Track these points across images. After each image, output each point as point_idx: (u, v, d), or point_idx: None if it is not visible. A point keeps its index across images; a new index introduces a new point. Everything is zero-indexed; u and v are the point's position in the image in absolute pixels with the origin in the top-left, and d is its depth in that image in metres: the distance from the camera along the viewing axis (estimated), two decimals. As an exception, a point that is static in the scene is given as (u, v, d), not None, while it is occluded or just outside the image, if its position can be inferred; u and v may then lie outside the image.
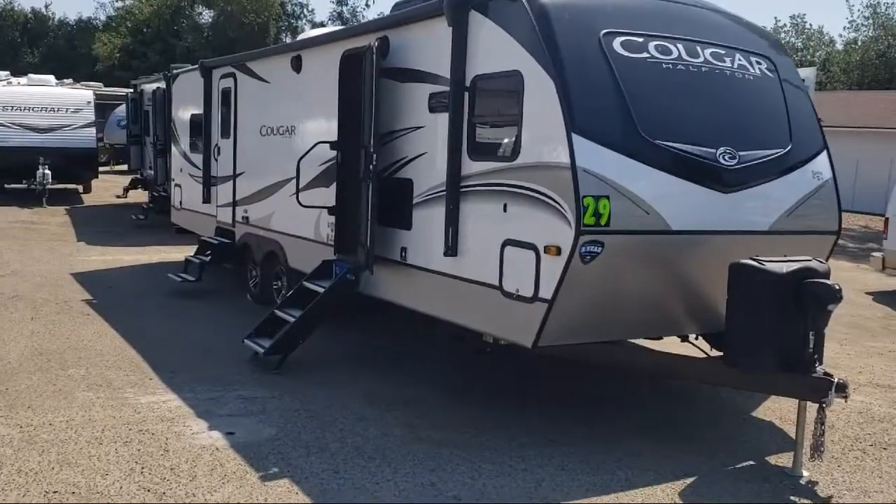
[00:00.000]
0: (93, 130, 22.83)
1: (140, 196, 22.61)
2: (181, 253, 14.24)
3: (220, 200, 11.55)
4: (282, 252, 9.73)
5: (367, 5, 53.00)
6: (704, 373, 6.28)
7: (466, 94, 6.42)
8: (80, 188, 24.52)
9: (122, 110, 32.88)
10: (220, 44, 44.95)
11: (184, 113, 13.16)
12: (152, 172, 18.55)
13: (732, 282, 5.50)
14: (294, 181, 9.24)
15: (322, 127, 8.78)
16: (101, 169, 25.13)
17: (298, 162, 8.42)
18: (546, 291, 5.64)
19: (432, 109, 6.88)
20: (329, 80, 8.50)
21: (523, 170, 5.87)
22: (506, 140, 6.20)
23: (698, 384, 7.14)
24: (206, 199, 11.97)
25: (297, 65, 9.24)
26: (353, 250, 8.16)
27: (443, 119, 6.71)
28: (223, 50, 33.11)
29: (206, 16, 51.25)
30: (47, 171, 21.23)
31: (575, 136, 5.45)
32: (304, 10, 54.98)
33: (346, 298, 8.02)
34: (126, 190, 22.48)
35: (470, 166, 6.42)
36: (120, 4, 53.59)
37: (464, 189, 6.47)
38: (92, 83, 29.00)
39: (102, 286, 11.52)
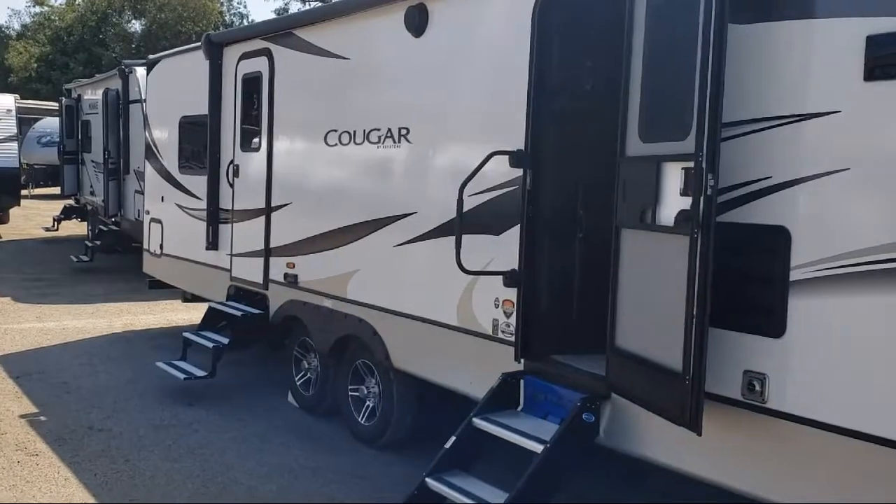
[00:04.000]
0: (14, 146, 18.22)
1: (74, 228, 18.14)
2: (154, 314, 10.14)
3: (239, 246, 7.48)
4: (376, 341, 5.73)
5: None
6: None
7: None
8: (-5, 218, 19.81)
9: (42, 125, 28.62)
10: (152, 54, 40.26)
11: (167, 116, 9.02)
12: (100, 200, 14.19)
13: None
14: (404, 223, 5.42)
15: (481, 129, 4.93)
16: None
17: (461, 190, 4.49)
18: None
19: (877, 73, 3.08)
20: (500, 42, 4.74)
21: None
22: None
23: None
24: (212, 243, 7.87)
25: (418, 21, 5.31)
26: (543, 352, 4.41)
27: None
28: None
29: (137, 24, 46.37)
30: (-46, 198, 16.67)
31: None
32: (245, 20, 50.32)
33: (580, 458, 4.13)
34: (57, 221, 17.91)
35: None
36: (37, 10, 48.21)
37: None
38: (6, 95, 24.25)
39: (52, 384, 7.29)
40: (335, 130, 6.18)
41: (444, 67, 5.22)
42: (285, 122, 6.88)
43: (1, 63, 44.85)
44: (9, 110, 18.32)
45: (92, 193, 15.52)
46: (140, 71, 12.21)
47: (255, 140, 7.21)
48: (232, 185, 7.58)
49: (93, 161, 15.34)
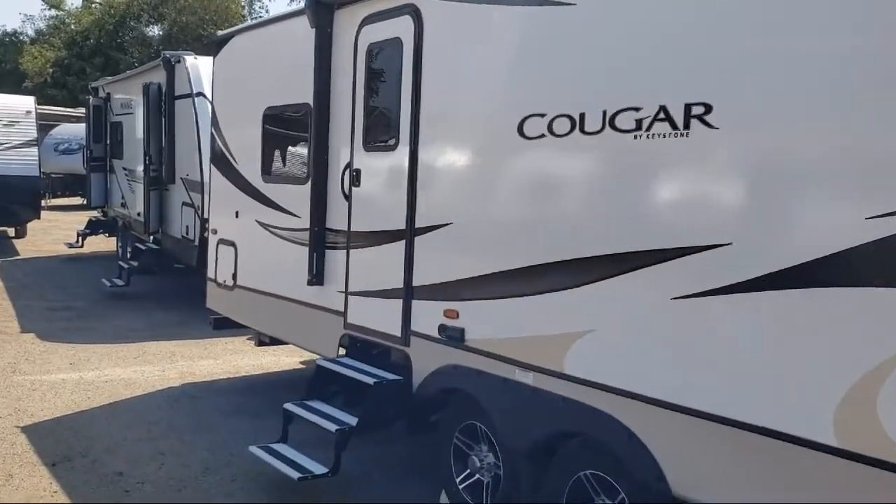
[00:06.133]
0: (35, 151, 16.23)
1: (100, 244, 16.13)
2: (216, 359, 8.15)
3: (359, 282, 5.39)
4: (633, 450, 3.59)
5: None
6: None
7: None
8: (11, 232, 17.82)
9: (60, 132, 27.02)
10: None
11: (244, 108, 6.92)
12: (135, 213, 12.15)
13: None
14: (698, 261, 3.32)
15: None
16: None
17: None
18: None
19: None
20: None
21: None
22: None
23: None
24: (316, 275, 5.77)
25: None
26: None
27: None
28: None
29: (156, 28, 44.54)
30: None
31: None
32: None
33: None
34: (81, 236, 15.86)
35: None
36: (53, 14, 46.47)
37: None
38: (25, 97, 22.37)
39: (103, 476, 5.18)
40: (541, 115, 4.07)
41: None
42: (443, 107, 4.77)
43: (15, 68, 43.07)
44: (28, 111, 16.41)
45: (123, 205, 13.50)
46: (190, 60, 10.20)
47: (390, 135, 5.12)
48: (348, 198, 5.48)
49: (125, 168, 13.35)
